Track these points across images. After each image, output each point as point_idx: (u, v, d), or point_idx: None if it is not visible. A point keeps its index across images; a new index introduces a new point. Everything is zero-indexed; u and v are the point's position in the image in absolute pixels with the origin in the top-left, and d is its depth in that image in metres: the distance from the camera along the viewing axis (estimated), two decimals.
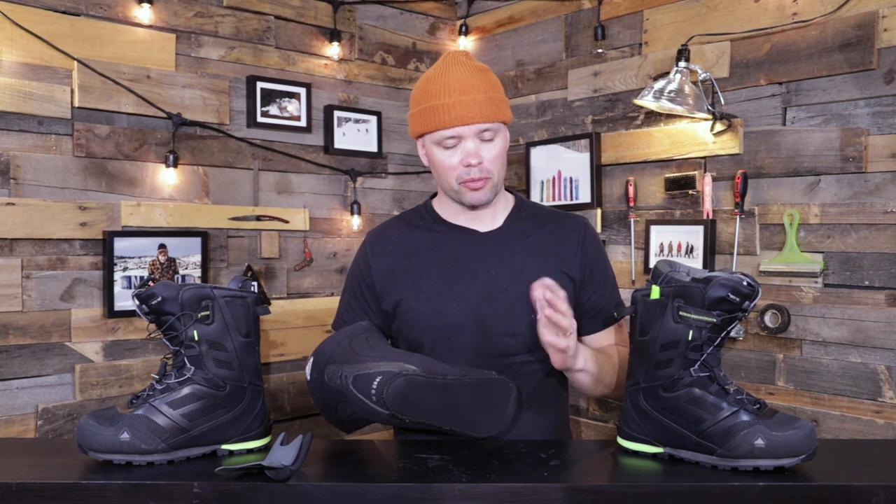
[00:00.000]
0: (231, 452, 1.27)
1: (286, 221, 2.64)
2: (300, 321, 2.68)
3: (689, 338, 1.20)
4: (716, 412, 1.17)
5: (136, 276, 2.30)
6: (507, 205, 1.63)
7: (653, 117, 2.48)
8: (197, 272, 2.42)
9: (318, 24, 2.75)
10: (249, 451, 1.29)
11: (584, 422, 2.68)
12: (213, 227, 2.49)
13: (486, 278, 1.53)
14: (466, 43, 3.05)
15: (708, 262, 2.31)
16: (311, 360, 1.42)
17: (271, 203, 2.63)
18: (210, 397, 1.25)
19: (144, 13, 2.33)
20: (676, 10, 2.43)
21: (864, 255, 2.03)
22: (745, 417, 1.15)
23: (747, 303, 1.18)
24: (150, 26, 2.36)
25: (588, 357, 1.44)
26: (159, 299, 1.25)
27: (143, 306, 1.26)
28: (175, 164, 2.39)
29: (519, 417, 1.45)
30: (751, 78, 2.25)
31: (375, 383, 1.21)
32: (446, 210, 1.62)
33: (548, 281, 1.35)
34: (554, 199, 2.75)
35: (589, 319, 1.59)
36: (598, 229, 2.61)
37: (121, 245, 2.28)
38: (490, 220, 1.60)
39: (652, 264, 2.44)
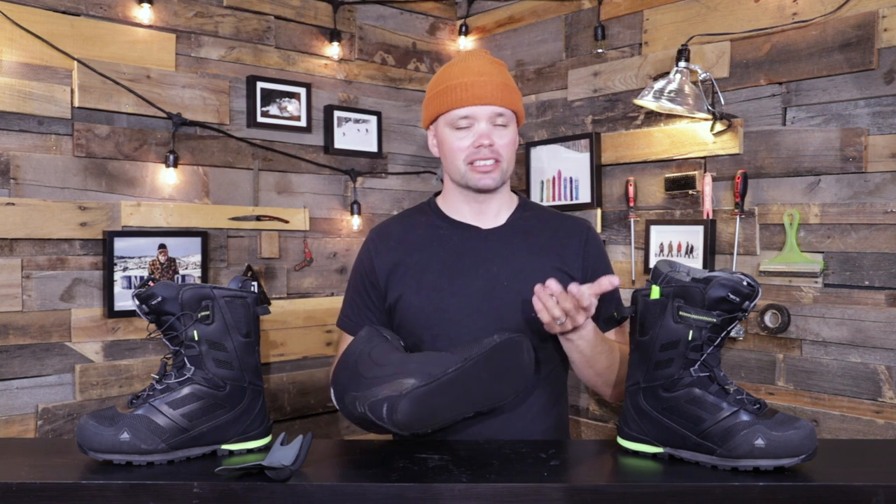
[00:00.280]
0: (231, 452, 1.27)
1: (286, 221, 2.64)
2: (300, 321, 2.68)
3: (689, 338, 1.20)
4: (716, 412, 1.17)
5: (136, 276, 2.30)
6: (511, 203, 1.64)
7: (653, 117, 2.48)
8: (197, 272, 2.42)
9: (318, 24, 2.75)
10: (249, 451, 1.29)
11: (584, 422, 2.68)
12: (213, 227, 2.49)
13: (487, 275, 1.53)
14: (466, 43, 3.05)
15: (708, 262, 2.31)
16: (332, 389, 1.42)
17: (271, 203, 2.63)
18: (210, 397, 1.25)
19: (144, 13, 2.33)
20: (676, 10, 2.43)
21: (864, 255, 2.03)
22: (745, 417, 1.15)
23: (747, 303, 1.18)
24: (150, 26, 2.36)
25: (586, 335, 1.43)
26: (159, 299, 1.25)
27: (143, 306, 1.26)
28: (175, 164, 2.39)
29: (537, 364, 1.42)
30: (751, 78, 2.25)
31: (384, 412, 1.19)
32: (450, 206, 1.62)
33: (552, 286, 1.33)
34: (554, 199, 2.75)
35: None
36: (598, 229, 2.61)
37: (121, 245, 2.28)
38: (493, 217, 1.61)
39: (652, 264, 2.44)
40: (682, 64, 2.25)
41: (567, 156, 2.70)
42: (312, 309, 2.71)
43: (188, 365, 1.26)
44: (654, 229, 2.46)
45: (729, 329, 1.21)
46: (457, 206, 1.61)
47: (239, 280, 1.34)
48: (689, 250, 2.36)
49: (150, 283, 1.27)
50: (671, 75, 2.25)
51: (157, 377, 1.27)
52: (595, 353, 1.47)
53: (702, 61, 2.33)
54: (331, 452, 1.34)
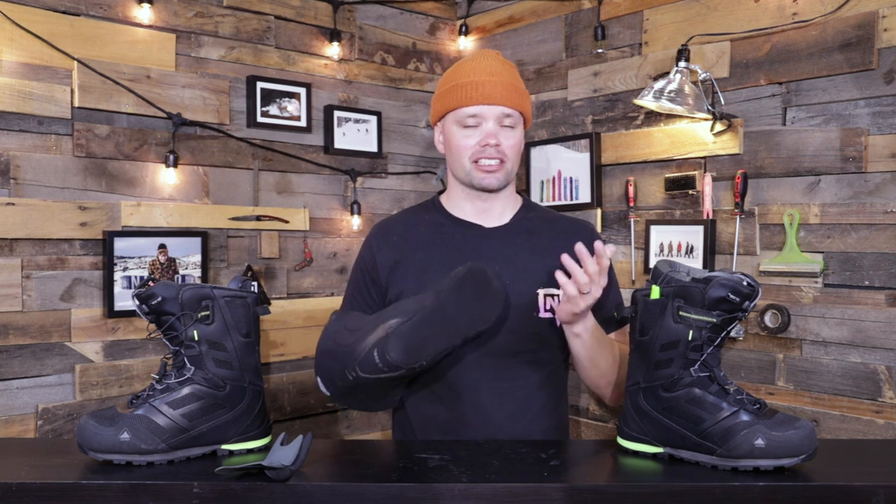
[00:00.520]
0: (231, 452, 1.27)
1: (286, 221, 2.64)
2: (300, 321, 2.68)
3: (689, 338, 1.20)
4: (716, 412, 1.17)
5: (136, 276, 2.30)
6: (515, 204, 1.64)
7: (653, 117, 2.48)
8: (197, 272, 2.42)
9: (318, 24, 2.75)
10: (249, 451, 1.29)
11: (584, 422, 2.68)
12: (213, 227, 2.49)
13: None
14: (466, 43, 3.05)
15: (708, 262, 2.31)
16: (318, 378, 1.43)
17: (271, 203, 2.63)
18: (210, 397, 1.25)
19: (144, 13, 2.33)
20: (676, 10, 2.43)
21: (864, 255, 2.03)
22: (745, 417, 1.15)
23: (747, 303, 1.18)
24: (150, 26, 2.36)
25: (590, 322, 1.45)
26: (159, 299, 1.25)
27: (143, 306, 1.26)
28: (175, 164, 2.39)
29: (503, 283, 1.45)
30: (751, 78, 2.25)
31: (376, 357, 1.24)
32: (453, 204, 1.63)
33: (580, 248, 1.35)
34: (554, 199, 2.75)
35: None
36: (599, 229, 2.61)
37: (121, 245, 2.28)
38: (497, 216, 1.61)
39: (652, 264, 2.44)
40: (682, 64, 2.25)
41: (567, 156, 2.70)
42: (312, 309, 2.71)
43: (188, 365, 1.26)
44: (654, 229, 2.46)
45: (729, 329, 1.21)
46: (460, 205, 1.61)
47: (239, 280, 1.34)
48: (689, 250, 2.36)
49: (150, 283, 1.27)
50: (671, 75, 2.25)
51: (157, 377, 1.27)
52: (598, 347, 1.48)
53: (702, 61, 2.33)
54: (331, 452, 1.34)
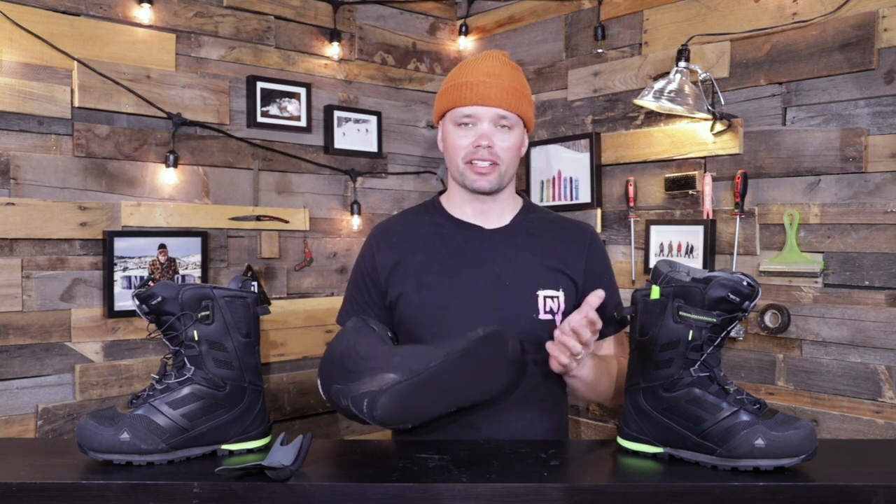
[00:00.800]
0: (231, 452, 1.27)
1: (286, 221, 2.64)
2: (300, 321, 2.68)
3: (689, 338, 1.20)
4: (716, 412, 1.17)
5: (136, 276, 2.30)
6: (516, 205, 1.64)
7: (653, 117, 2.48)
8: (197, 272, 2.42)
9: (318, 24, 2.75)
10: (249, 451, 1.29)
11: (584, 422, 2.68)
12: (213, 227, 2.49)
13: (489, 275, 1.53)
14: (466, 43, 3.05)
15: (708, 262, 2.31)
16: (319, 381, 1.42)
17: (271, 203, 2.63)
18: (210, 397, 1.25)
19: (144, 13, 2.33)
20: (676, 10, 2.43)
21: (864, 255, 2.03)
22: (745, 417, 1.15)
23: (747, 303, 1.18)
24: (150, 26, 2.36)
25: (587, 365, 1.44)
26: (159, 299, 1.25)
27: (143, 306, 1.26)
28: (175, 164, 2.39)
29: (525, 360, 1.41)
30: (751, 78, 2.25)
31: (365, 406, 1.19)
32: (453, 205, 1.62)
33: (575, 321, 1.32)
34: (554, 200, 2.75)
35: None
36: (598, 229, 2.61)
37: (121, 245, 2.28)
38: (497, 217, 1.60)
39: (652, 264, 2.44)
40: (682, 64, 2.25)
41: (567, 156, 2.70)
42: (312, 309, 2.71)
43: (188, 365, 1.26)
44: (654, 229, 2.46)
45: (729, 329, 1.21)
46: (460, 206, 1.61)
47: (239, 280, 1.34)
48: (689, 250, 2.36)
49: (150, 283, 1.27)
50: (671, 75, 2.25)
51: (157, 377, 1.27)
52: (597, 378, 1.47)
53: (702, 61, 2.33)
54: (331, 452, 1.34)
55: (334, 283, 2.78)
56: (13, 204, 2.12)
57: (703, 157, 2.36)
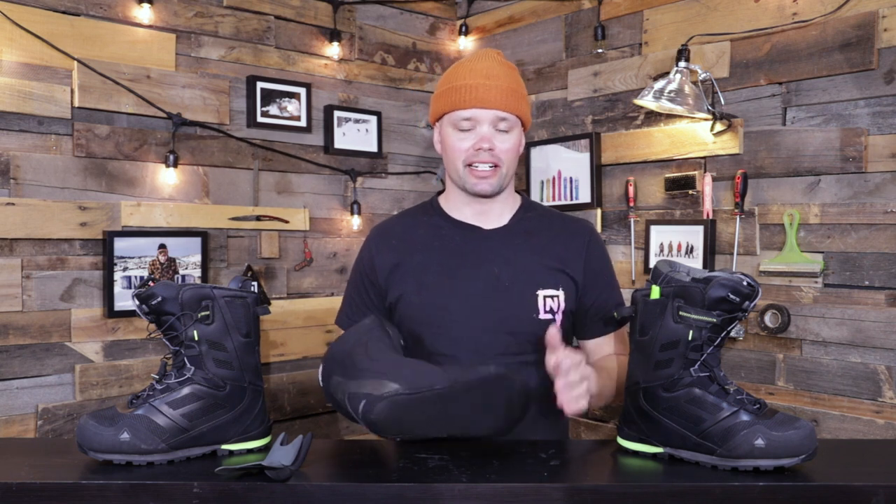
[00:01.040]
0: (231, 452, 1.27)
1: (286, 221, 2.64)
2: (300, 321, 2.68)
3: (689, 338, 1.20)
4: (716, 412, 1.17)
5: (136, 276, 2.30)
6: (514, 204, 1.64)
7: (653, 117, 2.48)
8: (197, 272, 2.42)
9: (318, 24, 2.75)
10: (249, 451, 1.28)
11: (584, 422, 2.68)
12: (213, 227, 2.49)
13: (488, 275, 1.53)
14: (466, 43, 3.05)
15: (708, 262, 2.31)
16: (322, 365, 1.41)
17: (271, 203, 2.63)
18: (210, 397, 1.25)
19: (144, 13, 2.33)
20: (676, 10, 2.43)
21: (864, 255, 2.03)
22: (745, 417, 1.15)
23: (747, 303, 1.18)
24: (150, 26, 2.36)
25: (591, 385, 1.42)
26: (159, 299, 1.25)
27: (143, 306, 1.26)
28: (175, 164, 2.39)
29: (527, 411, 1.42)
30: (751, 78, 2.25)
31: (361, 406, 1.18)
32: (452, 206, 1.62)
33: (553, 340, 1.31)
34: (554, 199, 2.75)
35: (591, 323, 1.59)
36: (599, 229, 2.61)
37: (121, 245, 2.28)
38: (496, 217, 1.60)
39: (652, 264, 2.44)
40: (682, 64, 2.25)
41: (567, 156, 2.70)
42: (312, 309, 2.71)
43: (188, 365, 1.26)
44: (654, 229, 2.46)
45: (729, 329, 1.20)
46: (459, 207, 1.61)
47: (239, 280, 1.33)
48: (689, 250, 2.36)
49: (150, 283, 1.27)
50: (671, 75, 2.25)
51: (157, 377, 1.27)
52: (601, 387, 1.47)
53: (702, 61, 2.33)
54: (331, 452, 1.34)
55: (334, 283, 2.78)
56: (13, 204, 2.12)
57: (703, 157, 2.36)
